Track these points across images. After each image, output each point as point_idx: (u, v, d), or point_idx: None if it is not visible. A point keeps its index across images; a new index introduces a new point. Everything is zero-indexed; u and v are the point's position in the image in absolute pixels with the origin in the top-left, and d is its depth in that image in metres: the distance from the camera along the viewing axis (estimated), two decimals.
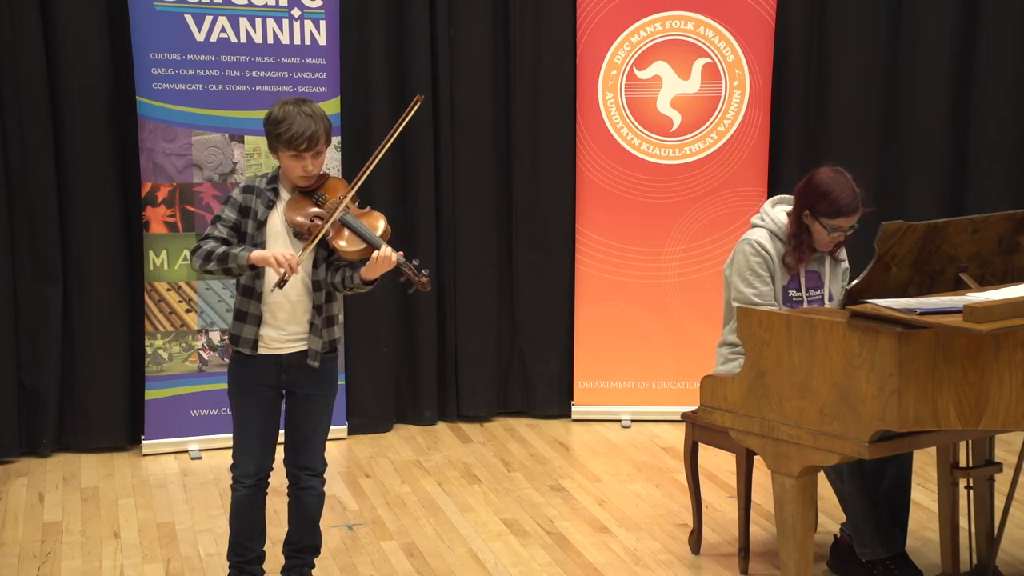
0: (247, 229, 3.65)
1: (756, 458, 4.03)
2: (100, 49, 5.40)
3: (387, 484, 5.14)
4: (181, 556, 4.37)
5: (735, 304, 4.07)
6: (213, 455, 5.38)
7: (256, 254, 3.55)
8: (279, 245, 3.63)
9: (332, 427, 3.97)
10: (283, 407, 3.79)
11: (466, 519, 4.73)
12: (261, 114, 3.70)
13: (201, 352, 5.47)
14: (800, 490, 3.55)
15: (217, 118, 5.38)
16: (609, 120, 5.86)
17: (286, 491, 3.86)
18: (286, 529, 3.92)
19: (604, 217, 5.91)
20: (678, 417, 5.04)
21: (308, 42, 5.48)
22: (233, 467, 3.79)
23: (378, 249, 3.56)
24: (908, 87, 6.19)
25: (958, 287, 3.55)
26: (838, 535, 4.24)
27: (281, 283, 3.52)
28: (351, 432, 5.78)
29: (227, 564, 3.88)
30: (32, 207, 5.39)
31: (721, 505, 4.85)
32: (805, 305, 4.15)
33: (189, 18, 5.31)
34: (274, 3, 5.41)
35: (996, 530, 3.98)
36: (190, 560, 4.34)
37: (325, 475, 3.86)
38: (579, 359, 6.01)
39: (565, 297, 6.05)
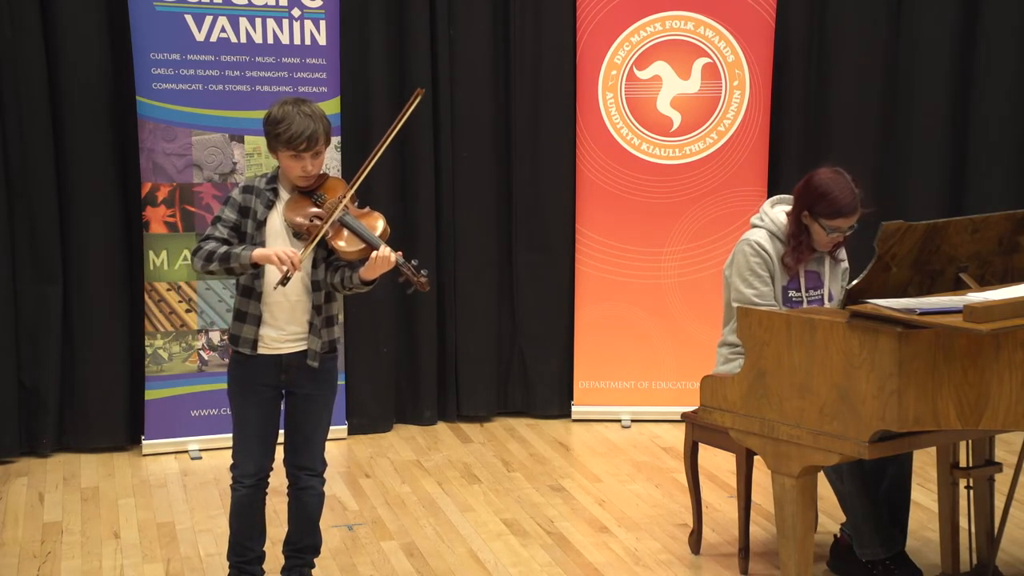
0: (247, 229, 3.65)
1: (756, 458, 4.03)
2: (100, 49, 5.40)
3: (387, 484, 5.14)
4: (181, 556, 4.37)
5: (735, 304, 4.07)
6: (213, 455, 5.38)
7: (258, 252, 3.55)
8: (278, 245, 3.63)
9: (332, 427, 3.97)
10: (283, 407, 3.80)
11: (466, 519, 4.73)
12: (261, 114, 3.70)
13: (201, 352, 5.47)
14: (800, 490, 3.55)
15: (217, 118, 5.38)
16: (609, 120, 5.86)
17: (286, 491, 3.86)
18: (286, 529, 3.92)
19: (604, 217, 5.91)
20: (678, 417, 5.04)
21: (308, 42, 5.48)
22: (233, 467, 3.80)
23: (377, 249, 3.56)
24: (908, 87, 6.19)
25: (958, 287, 3.55)
26: (838, 535, 4.24)
27: (284, 280, 3.52)
28: (351, 432, 5.78)
29: (227, 564, 3.89)
30: (32, 207, 5.39)
31: (721, 505, 4.85)
32: (805, 305, 4.15)
33: (189, 18, 5.31)
34: (274, 3, 5.41)
35: (996, 530, 3.98)
36: (190, 560, 4.34)
37: (325, 475, 3.86)
38: (579, 359, 6.01)
39: (565, 297, 6.05)
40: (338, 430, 5.61)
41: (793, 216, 4.12)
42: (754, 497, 4.25)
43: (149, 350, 5.41)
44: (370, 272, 3.58)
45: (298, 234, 3.64)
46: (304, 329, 3.69)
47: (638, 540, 4.53)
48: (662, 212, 5.89)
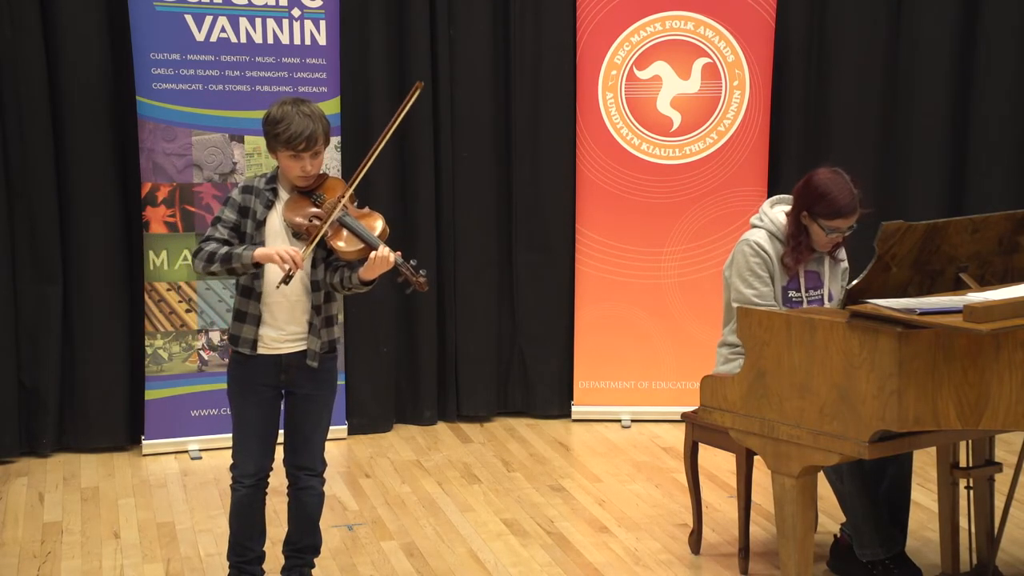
0: (246, 229, 3.65)
1: (756, 458, 4.03)
2: (100, 49, 5.40)
3: (387, 484, 5.14)
4: (181, 556, 4.37)
5: (735, 305, 4.06)
6: (213, 455, 5.38)
7: (260, 251, 3.56)
8: (278, 245, 3.63)
9: (332, 427, 3.97)
10: (283, 407, 3.80)
11: (466, 519, 4.73)
12: (261, 114, 3.70)
13: (201, 352, 5.47)
14: (800, 490, 3.55)
15: (217, 118, 5.38)
16: (609, 120, 5.86)
17: (286, 491, 3.86)
18: (286, 529, 3.92)
19: (604, 217, 5.91)
20: (678, 417, 5.04)
21: (308, 42, 5.48)
22: (233, 467, 3.80)
23: (376, 249, 3.56)
24: (908, 87, 6.19)
25: (958, 287, 3.55)
26: (838, 535, 4.24)
27: (287, 279, 3.52)
28: (351, 432, 5.78)
29: (227, 564, 3.89)
30: (32, 207, 5.39)
31: (721, 505, 4.85)
32: (805, 305, 4.15)
33: (189, 18, 5.31)
34: (274, 3, 5.41)
35: (996, 530, 3.98)
36: (190, 560, 4.34)
37: (325, 475, 3.86)
38: (579, 359, 6.01)
39: (565, 297, 6.05)
40: (338, 430, 5.61)
41: (792, 216, 4.12)
42: (754, 497, 4.25)
43: (149, 350, 5.41)
44: (369, 272, 3.58)
45: (297, 234, 3.64)
46: (304, 329, 3.69)
47: (638, 540, 4.53)
48: (662, 212, 5.89)
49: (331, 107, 5.48)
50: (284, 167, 3.65)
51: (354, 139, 5.61)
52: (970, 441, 3.95)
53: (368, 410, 5.84)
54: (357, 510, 4.82)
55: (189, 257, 5.32)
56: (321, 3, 5.47)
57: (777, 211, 4.21)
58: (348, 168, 5.38)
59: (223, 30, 5.36)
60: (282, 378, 3.72)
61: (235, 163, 5.42)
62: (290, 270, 3.51)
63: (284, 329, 3.68)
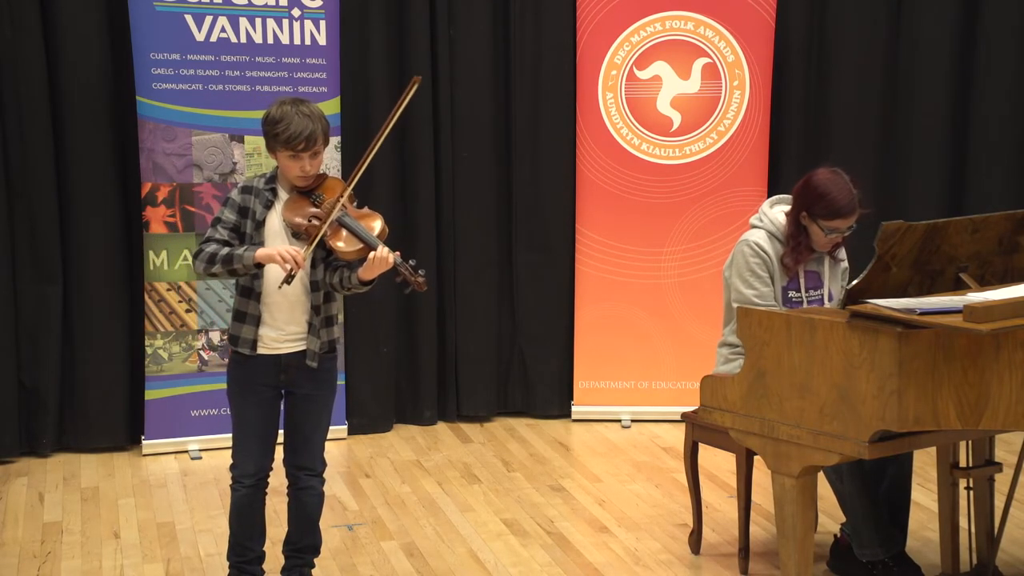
0: (246, 230, 3.65)
1: (756, 458, 4.03)
2: (100, 49, 5.40)
3: (387, 484, 5.14)
4: (181, 556, 4.37)
5: (735, 305, 4.06)
6: (213, 455, 5.38)
7: (261, 252, 3.55)
8: (278, 245, 3.63)
9: (332, 427, 3.97)
10: (283, 407, 3.80)
11: (466, 519, 4.73)
12: (261, 114, 3.70)
13: (201, 352, 5.47)
14: (800, 490, 3.55)
15: (217, 118, 5.38)
16: (609, 120, 5.86)
17: (286, 491, 3.86)
18: (286, 529, 3.92)
19: (604, 217, 5.91)
20: (678, 417, 5.04)
21: (308, 42, 5.48)
22: (233, 467, 3.80)
23: (375, 250, 3.56)
24: (908, 87, 6.19)
25: (958, 287, 3.55)
26: (838, 535, 4.24)
27: (289, 279, 3.52)
28: (351, 432, 5.78)
29: (227, 564, 3.89)
30: (32, 207, 5.39)
31: (721, 505, 4.85)
32: (805, 305, 4.15)
33: (189, 18, 5.31)
34: (274, 3, 5.41)
35: (996, 530, 3.98)
36: (190, 560, 4.34)
37: (325, 475, 3.86)
38: (579, 359, 6.01)
39: (565, 297, 6.05)
40: (338, 430, 5.61)
41: (792, 217, 4.12)
42: (754, 497, 4.25)
43: (149, 350, 5.41)
44: (368, 272, 3.58)
45: (297, 234, 3.64)
46: (303, 329, 3.69)
47: (638, 540, 4.53)
48: (662, 212, 5.89)
49: (331, 107, 5.48)
50: (283, 167, 3.65)
51: (354, 139, 5.61)
52: (970, 441, 3.95)
53: (368, 410, 5.84)
54: (357, 510, 4.82)
55: (189, 257, 5.32)
56: (321, 3, 5.47)
57: (776, 211, 4.21)
58: (348, 168, 5.37)
59: (223, 30, 5.36)
60: (282, 378, 3.72)
61: (235, 163, 5.42)
62: (292, 270, 3.51)
63: (284, 329, 3.68)
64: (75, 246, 5.45)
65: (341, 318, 5.45)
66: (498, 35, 5.94)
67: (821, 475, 4.03)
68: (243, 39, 5.39)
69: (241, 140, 5.41)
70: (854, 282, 3.37)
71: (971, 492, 3.98)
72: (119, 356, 5.54)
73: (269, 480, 3.82)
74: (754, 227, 4.22)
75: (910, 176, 6.23)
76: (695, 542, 4.39)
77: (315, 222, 3.60)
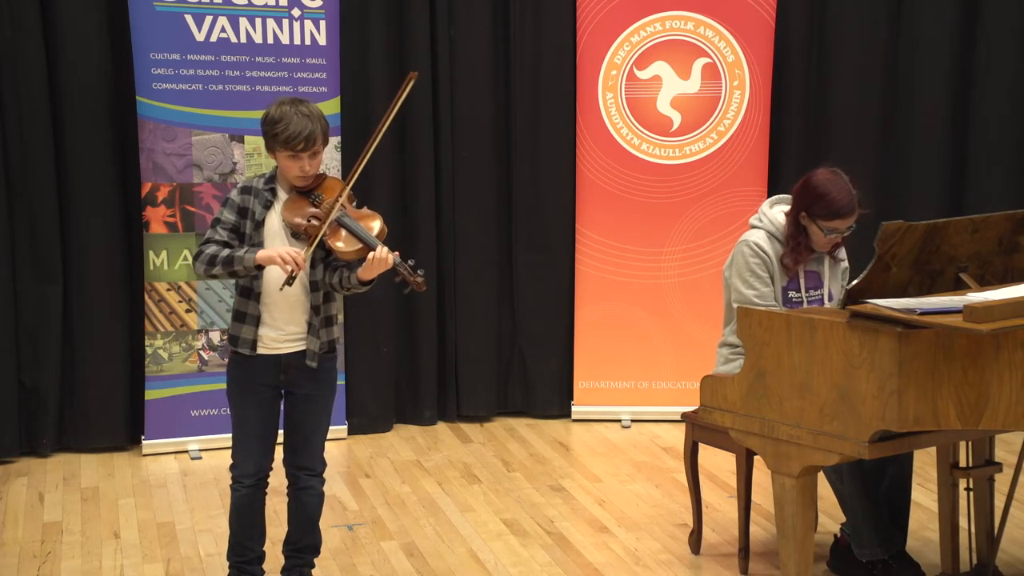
0: (245, 230, 3.65)
1: (756, 458, 4.03)
2: (100, 49, 5.40)
3: (387, 484, 5.14)
4: (181, 556, 4.37)
5: (736, 305, 4.06)
6: (213, 455, 5.38)
7: (262, 254, 3.55)
8: (277, 245, 3.63)
9: (332, 427, 3.97)
10: (282, 407, 3.80)
11: (466, 519, 4.73)
12: (261, 114, 3.70)
13: (201, 352, 5.47)
14: (800, 490, 3.54)
15: (217, 118, 5.38)
16: (609, 120, 5.86)
17: (286, 491, 3.86)
18: (286, 529, 3.92)
19: (604, 217, 5.91)
20: (678, 417, 5.04)
21: (308, 42, 5.48)
22: (232, 467, 3.80)
23: (374, 250, 3.56)
24: (908, 87, 6.19)
25: (958, 287, 3.55)
26: (838, 535, 4.24)
27: (290, 280, 3.52)
28: (351, 432, 5.78)
29: (227, 564, 3.89)
30: (32, 207, 5.39)
31: (721, 505, 4.85)
32: (805, 305, 4.14)
33: (189, 18, 5.31)
34: (274, 3, 5.41)
35: (996, 530, 3.98)
36: (190, 560, 4.34)
37: (325, 475, 3.86)
38: (579, 359, 6.01)
39: (565, 297, 6.05)
40: (338, 430, 5.61)
41: (791, 217, 4.12)
42: (754, 497, 4.25)
43: (149, 350, 5.41)
44: (367, 272, 3.58)
45: (296, 234, 3.64)
46: (303, 329, 3.69)
47: (638, 540, 4.53)
48: (662, 212, 5.89)
49: (331, 107, 5.48)
50: (283, 167, 3.65)
51: (354, 139, 5.60)
52: (970, 441, 3.95)
53: (368, 410, 5.84)
54: (357, 510, 4.82)
55: (189, 257, 5.32)
56: (321, 3, 5.47)
57: (776, 211, 4.21)
58: (348, 168, 5.37)
59: (223, 30, 5.36)
60: (281, 378, 3.72)
61: (235, 163, 5.42)
62: (293, 271, 3.51)
63: (283, 329, 3.68)
64: (75, 246, 5.45)
65: (341, 318, 5.46)
66: (498, 35, 5.94)
67: (821, 475, 4.03)
68: (243, 39, 5.39)
69: (241, 140, 5.41)
70: (854, 282, 3.37)
71: (971, 492, 3.98)
72: (119, 356, 5.54)
73: (269, 480, 3.82)
74: (754, 227, 4.21)
75: (910, 176, 6.23)
76: (695, 542, 4.39)
77: (314, 222, 3.60)
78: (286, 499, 3.87)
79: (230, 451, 3.81)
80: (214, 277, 3.65)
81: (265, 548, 3.90)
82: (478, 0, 5.86)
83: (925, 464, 5.00)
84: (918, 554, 4.18)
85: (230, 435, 3.82)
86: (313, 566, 3.95)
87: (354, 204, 3.75)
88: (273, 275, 3.61)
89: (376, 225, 3.66)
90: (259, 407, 3.73)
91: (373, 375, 5.85)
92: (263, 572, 3.90)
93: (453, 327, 6.00)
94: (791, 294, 4.15)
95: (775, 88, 5.92)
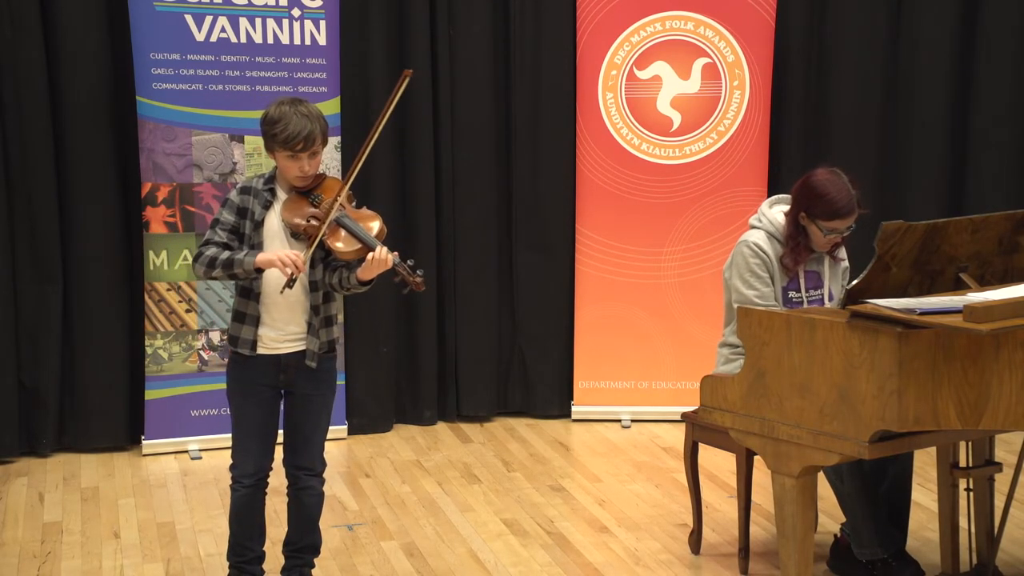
0: (245, 230, 3.65)
1: (756, 458, 4.03)
2: (100, 49, 5.40)
3: (387, 484, 5.14)
4: (181, 556, 4.37)
5: (736, 305, 4.06)
6: (213, 455, 5.38)
7: (261, 257, 3.56)
8: (276, 245, 3.63)
9: (332, 427, 3.97)
10: (282, 407, 3.80)
11: (466, 519, 4.73)
12: (261, 114, 3.70)
13: (201, 352, 5.47)
14: (800, 490, 3.54)
15: (217, 118, 5.38)
16: (609, 120, 5.86)
17: (286, 491, 3.86)
18: (286, 529, 3.92)
19: (604, 217, 5.91)
20: (678, 417, 5.04)
21: (308, 42, 5.48)
22: (232, 467, 3.80)
23: (373, 250, 3.56)
24: (908, 87, 6.19)
25: (958, 287, 3.55)
26: (838, 535, 4.24)
27: (290, 283, 3.52)
28: (351, 432, 5.78)
29: (227, 564, 3.89)
30: (32, 207, 5.39)
31: (721, 505, 4.85)
32: (805, 305, 4.14)
33: (189, 18, 5.31)
34: (274, 3, 5.41)
35: (996, 530, 3.98)
36: (190, 560, 4.34)
37: (325, 475, 3.86)
38: (579, 359, 6.01)
39: (565, 297, 6.05)
40: (338, 430, 5.62)
41: (790, 217, 4.11)
42: (754, 497, 4.25)
43: (149, 350, 5.41)
44: (367, 273, 3.58)
45: (296, 235, 3.64)
46: (303, 329, 3.69)
47: (638, 540, 4.53)
48: (662, 212, 5.89)
49: (331, 107, 5.48)
50: (282, 167, 3.65)
51: (354, 139, 5.60)
52: (970, 441, 3.95)
53: (368, 410, 5.84)
54: (357, 510, 4.82)
55: (189, 257, 5.32)
56: (321, 3, 5.47)
57: (776, 211, 4.21)
58: (347, 168, 5.37)
59: (223, 30, 5.36)
60: (281, 378, 3.72)
61: (235, 163, 5.42)
62: (293, 274, 3.51)
63: (283, 329, 3.68)
64: (75, 246, 5.45)
65: (341, 318, 5.46)
66: (498, 35, 5.94)
67: (821, 475, 4.03)
68: (243, 39, 5.39)
69: (241, 140, 5.41)
70: (854, 282, 3.37)
71: (971, 492, 3.98)
72: (119, 356, 5.54)
73: (269, 480, 3.82)
74: (753, 228, 4.21)
75: (910, 176, 6.23)
76: (695, 542, 4.38)
77: (314, 222, 3.60)
78: (286, 499, 3.87)
79: (230, 451, 3.81)
80: (214, 279, 3.65)
81: (265, 548, 3.90)
82: (478, 0, 5.86)
83: (925, 464, 5.00)
84: (918, 554, 4.18)
85: (230, 435, 3.82)
86: (313, 566, 3.95)
87: (353, 204, 3.75)
88: (273, 276, 3.61)
89: (375, 225, 3.66)
90: (259, 407, 3.74)
91: (373, 375, 5.85)
92: (263, 572, 3.90)
93: (453, 327, 6.00)
94: (791, 294, 4.15)
95: (775, 88, 5.92)
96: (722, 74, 5.82)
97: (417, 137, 5.80)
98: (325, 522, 3.97)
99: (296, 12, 5.44)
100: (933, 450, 4.01)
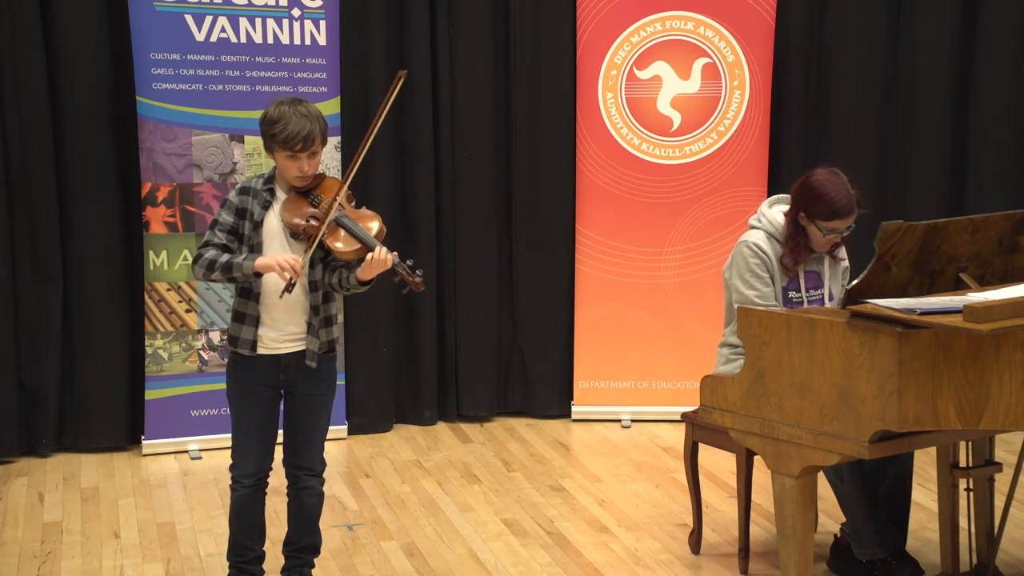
0: (244, 231, 3.65)
1: (756, 458, 4.03)
2: (100, 49, 5.39)
3: (387, 484, 5.13)
4: (181, 556, 4.37)
5: (737, 305, 4.06)
6: (213, 455, 5.38)
7: (260, 261, 3.56)
8: (276, 245, 3.63)
9: (332, 427, 3.97)
10: (282, 407, 3.80)
11: (466, 519, 4.73)
12: (260, 114, 3.70)
13: (201, 352, 5.47)
14: (800, 490, 3.54)
15: (217, 118, 5.38)
16: (609, 120, 5.86)
17: (286, 491, 3.86)
18: (286, 529, 3.92)
19: (604, 217, 5.91)
20: (678, 417, 5.04)
21: (308, 42, 5.48)
22: (232, 467, 3.80)
23: (373, 250, 3.56)
24: (908, 87, 6.19)
25: (958, 287, 3.55)
26: (838, 535, 4.24)
27: (289, 288, 3.53)
28: (351, 432, 5.78)
29: (227, 564, 3.89)
30: (32, 207, 5.39)
31: (721, 505, 4.85)
32: (805, 305, 4.14)
33: (189, 18, 5.31)
34: (274, 3, 5.41)
35: (996, 530, 3.98)
36: (190, 560, 4.34)
37: (325, 475, 3.86)
38: (579, 359, 6.01)
39: (565, 297, 6.05)
40: (338, 430, 5.62)
41: (790, 217, 4.11)
42: (754, 497, 4.25)
43: (149, 350, 5.41)
44: (366, 273, 3.58)
45: (295, 235, 3.64)
46: (302, 329, 3.69)
47: (638, 540, 4.53)
48: (662, 212, 5.89)
49: (331, 107, 5.48)
50: (281, 167, 3.65)
51: (354, 139, 5.59)
52: (970, 441, 3.95)
53: (368, 410, 5.84)
54: (357, 510, 4.82)
55: (189, 257, 5.32)
56: (321, 3, 5.47)
57: (775, 211, 4.20)
58: (347, 168, 5.38)
59: (223, 30, 5.36)
60: (281, 378, 3.72)
61: (235, 163, 5.42)
62: (291, 279, 3.51)
63: (283, 330, 3.68)
64: (75, 246, 5.45)
65: (341, 318, 5.46)
66: (498, 35, 5.94)
67: (821, 475, 4.03)
68: (243, 39, 5.39)
69: (241, 140, 5.41)
70: (854, 282, 3.37)
71: (971, 492, 3.98)
72: (119, 356, 5.54)
73: (269, 480, 3.82)
74: (753, 228, 4.21)
75: (910, 176, 6.22)
76: (695, 542, 4.38)
77: (313, 223, 3.60)
78: (286, 499, 3.87)
79: (230, 451, 3.81)
80: (213, 281, 3.65)
81: (265, 548, 3.90)
82: (478, 0, 5.85)
83: (925, 464, 5.00)
84: (918, 554, 4.18)
85: (230, 435, 3.82)
86: (313, 566, 3.95)
87: (353, 204, 3.75)
88: (273, 278, 3.61)
89: (375, 225, 3.66)
90: (259, 407, 3.74)
91: (373, 375, 5.85)
92: (263, 572, 3.90)
93: (453, 327, 6.00)
94: (791, 294, 4.15)
95: (775, 88, 5.92)
96: (722, 74, 5.82)
97: (417, 137, 5.80)
98: (325, 522, 3.97)
99: (296, 12, 5.44)
100: (933, 450, 4.01)
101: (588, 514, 4.80)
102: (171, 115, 5.31)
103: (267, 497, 3.84)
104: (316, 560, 3.97)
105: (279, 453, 3.81)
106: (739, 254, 4.14)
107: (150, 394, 5.43)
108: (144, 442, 5.46)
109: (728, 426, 3.70)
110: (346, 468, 5.34)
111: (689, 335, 5.90)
